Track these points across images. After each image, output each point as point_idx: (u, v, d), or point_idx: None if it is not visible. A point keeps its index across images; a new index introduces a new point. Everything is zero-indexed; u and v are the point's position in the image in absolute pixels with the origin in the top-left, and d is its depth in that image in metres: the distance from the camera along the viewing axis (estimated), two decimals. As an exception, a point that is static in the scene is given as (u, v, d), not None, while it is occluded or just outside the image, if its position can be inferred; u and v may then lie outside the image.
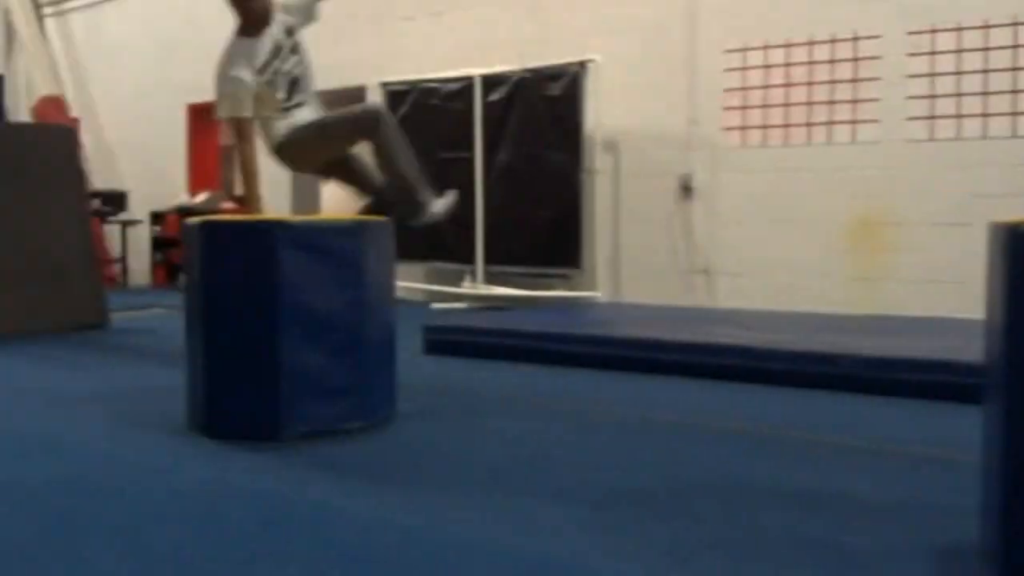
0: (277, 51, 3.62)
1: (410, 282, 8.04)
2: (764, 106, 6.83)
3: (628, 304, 7.14)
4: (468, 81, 7.78)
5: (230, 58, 3.62)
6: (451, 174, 7.73)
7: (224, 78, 3.60)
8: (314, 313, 3.20)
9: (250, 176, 3.72)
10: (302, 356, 3.18)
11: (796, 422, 3.60)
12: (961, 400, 3.69)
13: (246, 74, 3.58)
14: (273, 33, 3.63)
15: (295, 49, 3.67)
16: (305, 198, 9.80)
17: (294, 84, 3.68)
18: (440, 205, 3.80)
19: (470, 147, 7.63)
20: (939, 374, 3.96)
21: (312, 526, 2.36)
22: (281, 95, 3.66)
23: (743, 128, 6.86)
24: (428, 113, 7.97)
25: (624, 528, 2.35)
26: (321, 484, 2.75)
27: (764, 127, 6.83)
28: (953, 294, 5.92)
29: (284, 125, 3.73)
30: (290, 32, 3.68)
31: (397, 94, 8.21)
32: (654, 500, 2.60)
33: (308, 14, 3.82)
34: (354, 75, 8.64)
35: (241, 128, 3.68)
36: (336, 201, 12.23)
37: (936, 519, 2.42)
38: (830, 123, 6.55)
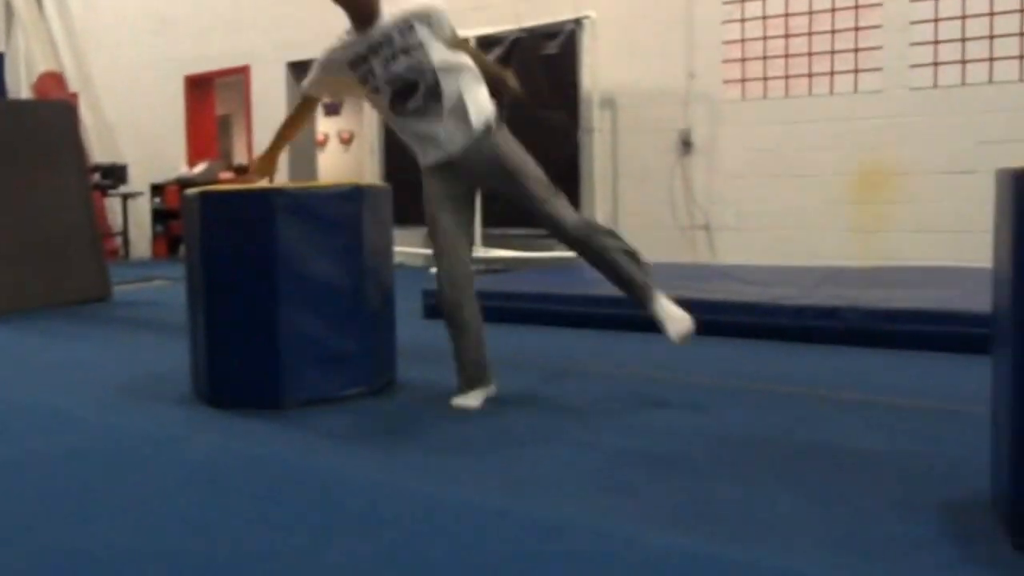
0: (377, 48, 3.17)
1: (409, 247, 7.99)
2: (764, 58, 6.73)
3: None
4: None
5: (329, 45, 3.32)
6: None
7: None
8: (313, 280, 3.19)
9: (275, 143, 3.51)
10: (301, 324, 3.18)
11: (801, 377, 3.58)
12: (967, 351, 3.67)
13: (326, 63, 3.28)
14: (382, 29, 3.17)
15: (408, 51, 3.15)
16: (303, 166, 9.74)
17: (409, 88, 3.15)
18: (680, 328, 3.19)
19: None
20: (945, 325, 3.93)
21: (316, 492, 2.35)
22: (384, 99, 3.21)
23: (743, 81, 6.77)
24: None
25: (632, 489, 2.34)
26: (323, 450, 2.74)
27: (764, 79, 6.74)
28: (958, 243, 5.87)
29: (414, 143, 3.26)
30: (404, 32, 3.16)
31: (391, 57, 8.10)
32: (660, 460, 2.58)
33: (430, 25, 3.20)
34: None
35: (301, 101, 3.47)
36: (335, 169, 12.20)
37: (944, 472, 2.41)
38: (832, 73, 6.46)
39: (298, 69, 9.74)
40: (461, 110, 3.15)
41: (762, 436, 2.76)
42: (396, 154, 8.10)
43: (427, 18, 3.16)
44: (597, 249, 3.21)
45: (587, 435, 2.84)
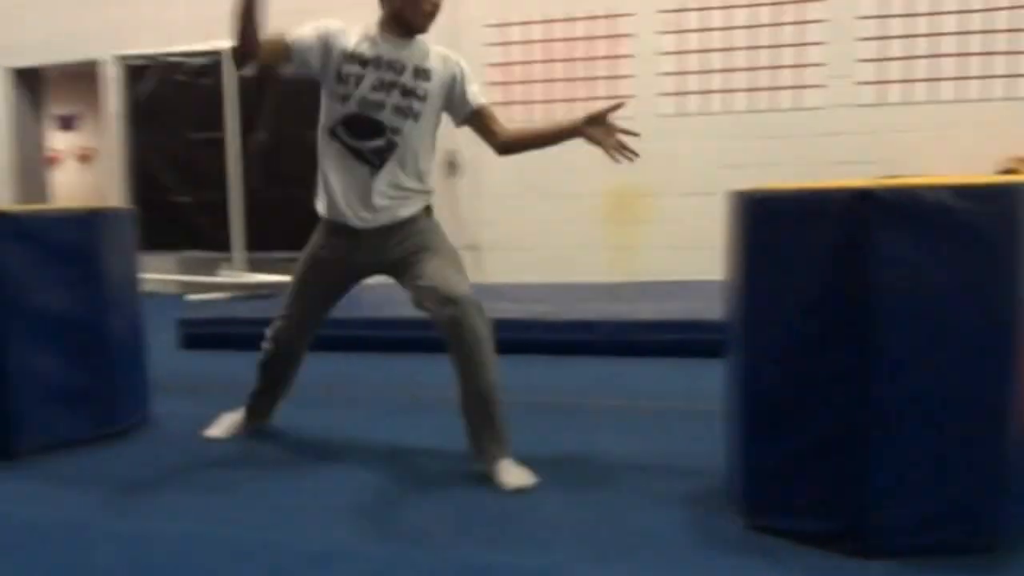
0: (383, 65, 2.72)
1: (161, 274, 7.60)
2: (526, 82, 6.95)
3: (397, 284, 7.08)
4: (217, 56, 7.36)
5: (344, 25, 2.77)
6: (203, 157, 7.37)
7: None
8: (46, 313, 2.92)
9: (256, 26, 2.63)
10: (33, 362, 2.90)
11: (560, 387, 3.72)
12: (709, 355, 3.90)
13: (330, 34, 2.71)
14: (403, 54, 2.74)
15: (409, 94, 2.73)
16: (32, 187, 9.00)
17: (374, 131, 2.72)
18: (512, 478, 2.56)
19: (222, 127, 7.26)
20: (689, 333, 4.20)
21: (58, 546, 2.17)
22: (340, 112, 2.74)
23: (506, 103, 6.93)
24: (174, 90, 7.52)
25: (398, 509, 2.37)
26: (64, 500, 2.52)
27: (527, 103, 6.96)
28: (702, 258, 6.26)
29: (336, 181, 2.79)
30: (419, 73, 2.75)
31: (136, 69, 7.66)
32: (425, 477, 2.61)
33: (449, 88, 2.82)
34: (86, 47, 8.04)
35: (278, 44, 2.67)
36: (72, 191, 11.31)
37: (686, 467, 2.60)
38: (589, 99, 6.75)
39: (20, 76, 8.93)
40: (404, 189, 2.80)
41: (525, 445, 2.79)
42: (145, 174, 7.68)
43: (451, 79, 2.81)
44: (472, 333, 2.76)
45: (351, 460, 2.81)
